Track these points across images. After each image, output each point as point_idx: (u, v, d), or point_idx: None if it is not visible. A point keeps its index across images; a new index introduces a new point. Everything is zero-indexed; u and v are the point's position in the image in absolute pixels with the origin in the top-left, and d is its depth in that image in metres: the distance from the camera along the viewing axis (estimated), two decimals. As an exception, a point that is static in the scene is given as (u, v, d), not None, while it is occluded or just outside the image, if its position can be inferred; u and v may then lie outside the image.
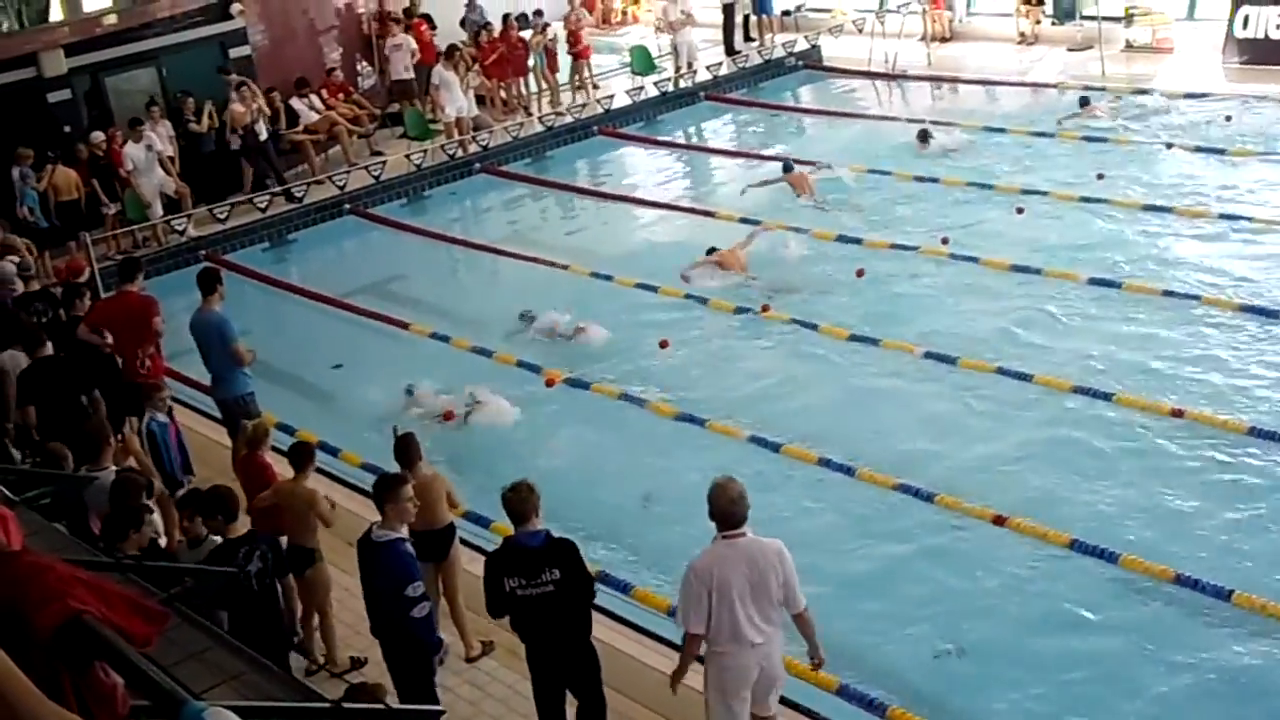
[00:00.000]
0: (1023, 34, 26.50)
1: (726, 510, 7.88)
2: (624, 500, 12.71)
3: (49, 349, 12.52)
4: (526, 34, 25.77)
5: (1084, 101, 22.07)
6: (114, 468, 10.23)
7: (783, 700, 9.21)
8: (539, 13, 26.41)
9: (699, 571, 7.91)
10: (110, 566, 5.43)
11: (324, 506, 10.17)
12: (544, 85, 25.92)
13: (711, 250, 17.63)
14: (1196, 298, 14.92)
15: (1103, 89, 22.80)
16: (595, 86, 26.78)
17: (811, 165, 20.37)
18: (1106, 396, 13.05)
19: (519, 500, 8.20)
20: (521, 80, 25.97)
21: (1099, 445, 12.48)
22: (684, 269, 17.47)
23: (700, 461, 13.19)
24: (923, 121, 21.98)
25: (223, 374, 12.87)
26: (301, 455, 10.30)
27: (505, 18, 26.12)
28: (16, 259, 16.34)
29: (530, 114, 24.94)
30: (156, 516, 9.79)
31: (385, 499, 8.60)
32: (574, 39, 26.05)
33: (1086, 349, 14.28)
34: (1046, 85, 23.70)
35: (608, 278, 18.00)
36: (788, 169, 20.09)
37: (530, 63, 25.91)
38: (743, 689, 8.09)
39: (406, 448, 10.03)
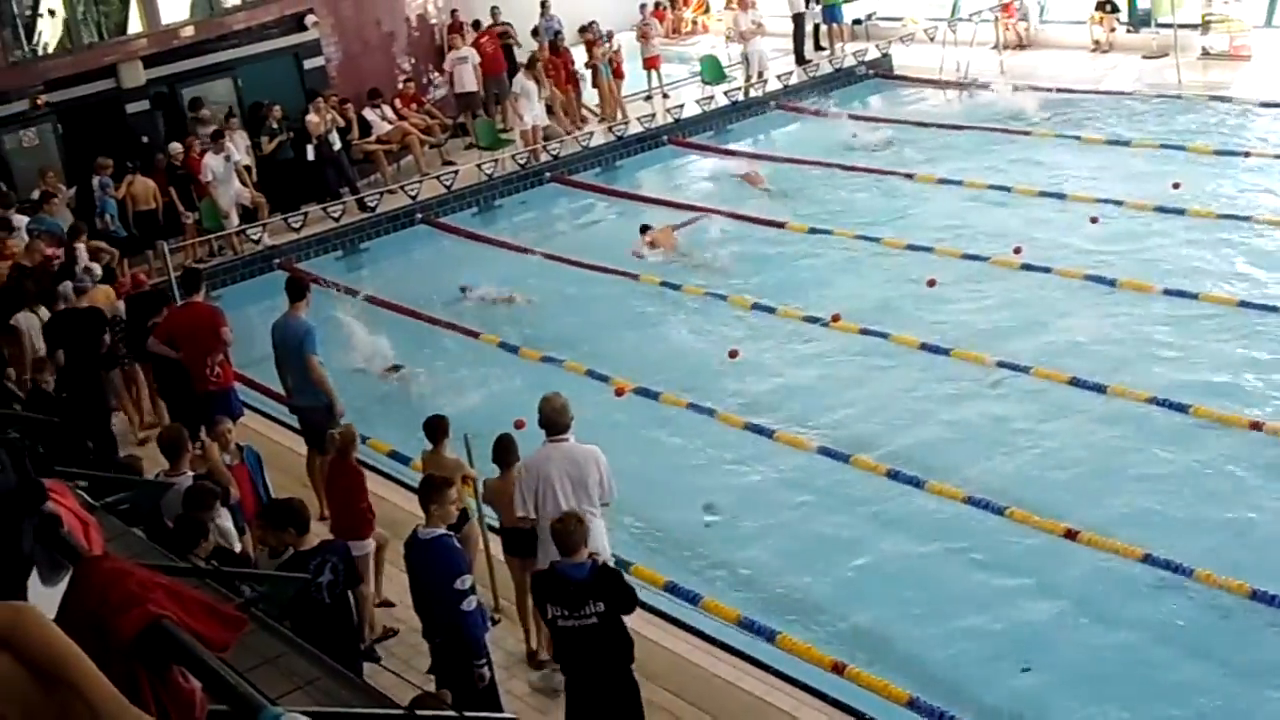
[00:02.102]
0: (1097, 42, 26.23)
1: (552, 418, 9.59)
2: (692, 509, 12.71)
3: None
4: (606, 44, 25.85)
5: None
6: (191, 474, 10.38)
7: (853, 713, 9.23)
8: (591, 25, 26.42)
9: (528, 467, 9.64)
10: (188, 572, 5.51)
11: (470, 472, 10.65)
12: (611, 96, 25.91)
13: (645, 228, 19.40)
14: (1275, 309, 14.71)
15: (1178, 96, 22.57)
16: (665, 96, 26.85)
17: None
18: (1183, 408, 12.88)
19: (566, 533, 8.24)
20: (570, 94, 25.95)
21: (1175, 458, 12.35)
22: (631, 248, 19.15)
23: (769, 471, 13.21)
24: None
25: (302, 382, 12.89)
26: (435, 428, 10.85)
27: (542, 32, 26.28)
28: (101, 262, 16.84)
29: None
30: (225, 522, 9.87)
31: (430, 499, 8.90)
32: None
33: (1162, 360, 14.13)
34: (1122, 93, 23.48)
35: (676, 287, 18.03)
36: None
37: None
38: None
39: (506, 450, 10.24)
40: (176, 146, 21.55)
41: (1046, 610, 10.54)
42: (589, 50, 25.75)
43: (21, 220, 18.32)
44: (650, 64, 27.18)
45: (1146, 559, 10.62)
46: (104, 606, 3.67)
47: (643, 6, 28.39)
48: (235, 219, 21.07)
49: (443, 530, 8.82)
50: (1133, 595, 10.51)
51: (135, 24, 23.13)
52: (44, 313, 14.80)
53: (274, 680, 4.59)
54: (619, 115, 25.45)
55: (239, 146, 21.42)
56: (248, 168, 21.61)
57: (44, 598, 3.97)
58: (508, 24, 26.79)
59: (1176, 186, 18.67)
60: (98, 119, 21.92)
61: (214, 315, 13.47)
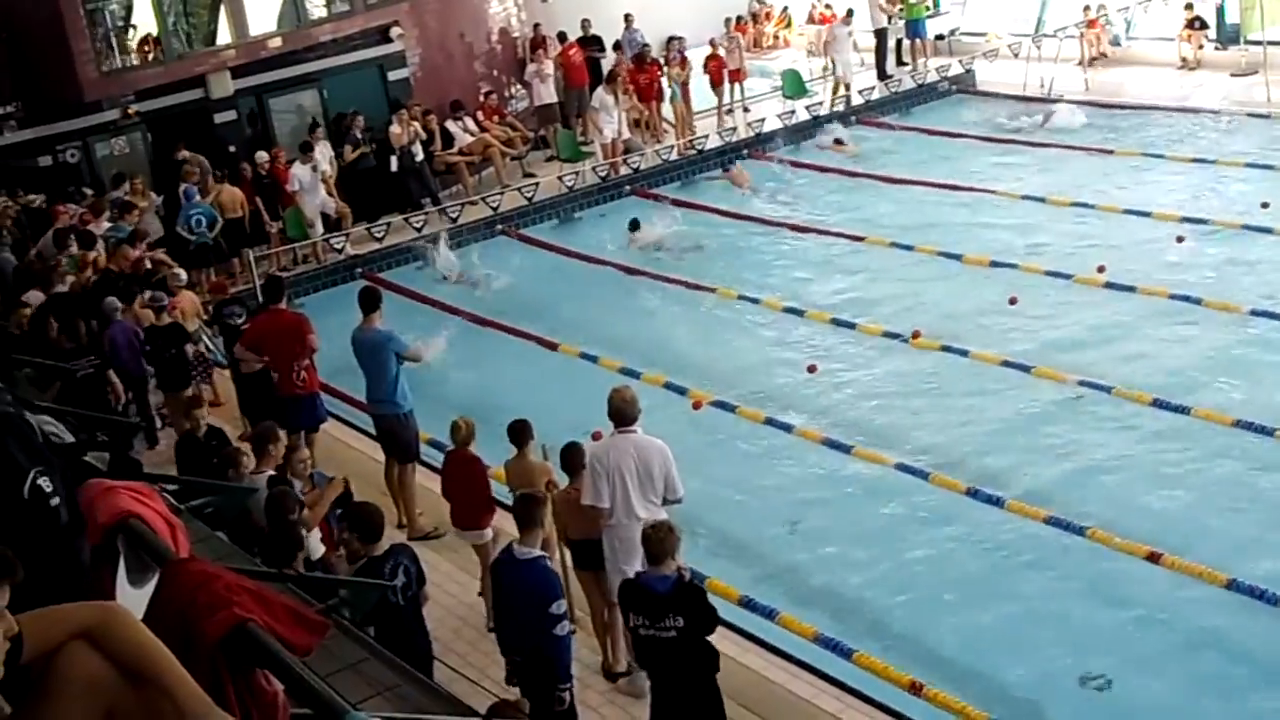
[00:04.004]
0: (1185, 59, 25.87)
1: (620, 409, 9.70)
2: (770, 525, 12.67)
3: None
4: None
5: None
6: (271, 472, 10.51)
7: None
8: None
9: (598, 456, 9.71)
10: (272, 577, 5.58)
11: (555, 476, 10.67)
12: (683, 117, 25.86)
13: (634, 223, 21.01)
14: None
15: (1267, 115, 22.23)
16: (746, 110, 26.83)
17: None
18: (1269, 432, 12.66)
19: (657, 540, 8.26)
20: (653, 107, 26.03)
21: (1260, 483, 12.15)
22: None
23: (847, 487, 13.13)
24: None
25: (382, 392, 13.01)
26: (519, 433, 10.92)
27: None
28: (158, 274, 17.07)
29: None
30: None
31: (529, 518, 8.83)
32: (716, 66, 26.23)
33: (1248, 383, 13.90)
34: (1208, 111, 23.16)
35: (754, 300, 18.01)
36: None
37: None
38: (634, 557, 9.10)
39: (579, 459, 10.23)
40: (263, 155, 21.85)
41: (1127, 632, 10.41)
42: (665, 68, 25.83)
43: (100, 228, 18.64)
44: (734, 77, 27.15)
45: (1231, 584, 10.44)
46: (191, 608, 3.73)
47: (727, 20, 28.41)
48: (320, 228, 21.32)
49: (539, 551, 8.77)
50: (1216, 619, 10.35)
51: (224, 35, 23.46)
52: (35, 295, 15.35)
53: (355, 685, 4.63)
54: (696, 131, 25.45)
55: (323, 157, 21.66)
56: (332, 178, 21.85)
57: (132, 598, 4.04)
58: (598, 36, 26.91)
59: (1265, 206, 18.37)
60: (186, 128, 22.25)
61: (299, 321, 13.69)
